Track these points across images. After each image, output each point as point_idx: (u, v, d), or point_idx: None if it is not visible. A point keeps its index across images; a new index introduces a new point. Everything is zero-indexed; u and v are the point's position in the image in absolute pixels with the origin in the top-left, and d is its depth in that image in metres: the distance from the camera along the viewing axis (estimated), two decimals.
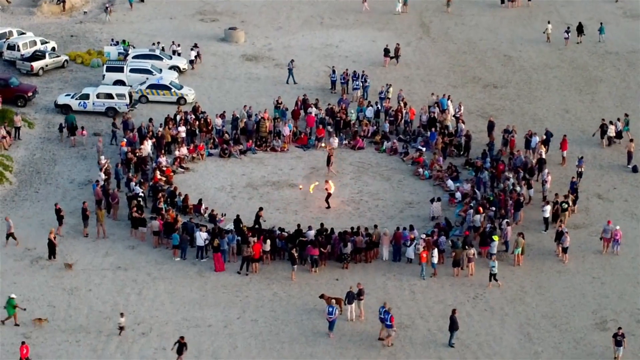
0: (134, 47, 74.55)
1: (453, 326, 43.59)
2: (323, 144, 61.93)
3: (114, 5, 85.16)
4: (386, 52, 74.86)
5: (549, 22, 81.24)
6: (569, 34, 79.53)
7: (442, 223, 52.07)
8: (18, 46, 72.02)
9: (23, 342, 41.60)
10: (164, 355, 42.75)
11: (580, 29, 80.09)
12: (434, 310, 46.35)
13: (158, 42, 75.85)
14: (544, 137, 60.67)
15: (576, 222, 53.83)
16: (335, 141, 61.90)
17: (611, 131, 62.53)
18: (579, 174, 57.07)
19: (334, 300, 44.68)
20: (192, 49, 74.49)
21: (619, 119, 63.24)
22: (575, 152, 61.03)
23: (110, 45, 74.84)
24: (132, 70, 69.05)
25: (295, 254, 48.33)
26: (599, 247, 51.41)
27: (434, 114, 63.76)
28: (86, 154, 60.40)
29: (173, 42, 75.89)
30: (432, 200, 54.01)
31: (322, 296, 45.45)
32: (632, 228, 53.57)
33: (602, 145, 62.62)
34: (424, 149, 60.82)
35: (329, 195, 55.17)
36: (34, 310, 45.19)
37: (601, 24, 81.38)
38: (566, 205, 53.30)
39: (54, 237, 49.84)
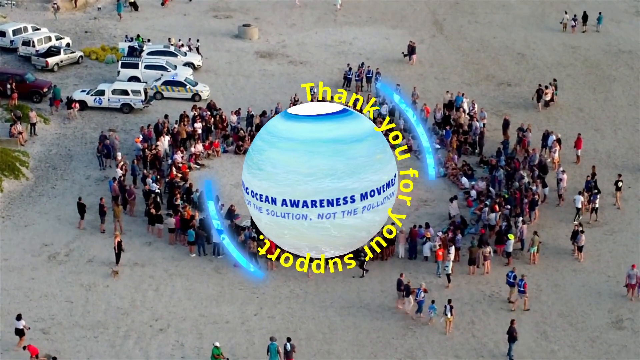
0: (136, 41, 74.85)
1: (512, 337, 42.83)
2: None
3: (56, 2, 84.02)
4: (411, 51, 75.16)
5: (565, 12, 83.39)
6: (576, 22, 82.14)
7: (457, 221, 52.19)
8: (33, 42, 72.23)
9: (29, 345, 41.84)
10: (182, 351, 43.01)
11: (585, 19, 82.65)
12: None
13: (179, 40, 76.10)
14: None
15: (591, 221, 53.89)
16: None
17: (547, 95, 66.77)
18: (594, 210, 53.98)
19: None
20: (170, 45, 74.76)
21: (550, 84, 68.25)
22: (589, 151, 61.35)
23: (125, 41, 75.07)
24: (147, 67, 69.18)
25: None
26: (614, 246, 51.51)
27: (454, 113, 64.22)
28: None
29: (169, 38, 76.28)
30: (451, 199, 53.99)
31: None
32: None
33: (538, 108, 66.84)
34: (438, 147, 60.93)
35: None
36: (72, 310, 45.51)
37: (600, 13, 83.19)
38: (621, 184, 55.06)
39: (121, 241, 49.17)
